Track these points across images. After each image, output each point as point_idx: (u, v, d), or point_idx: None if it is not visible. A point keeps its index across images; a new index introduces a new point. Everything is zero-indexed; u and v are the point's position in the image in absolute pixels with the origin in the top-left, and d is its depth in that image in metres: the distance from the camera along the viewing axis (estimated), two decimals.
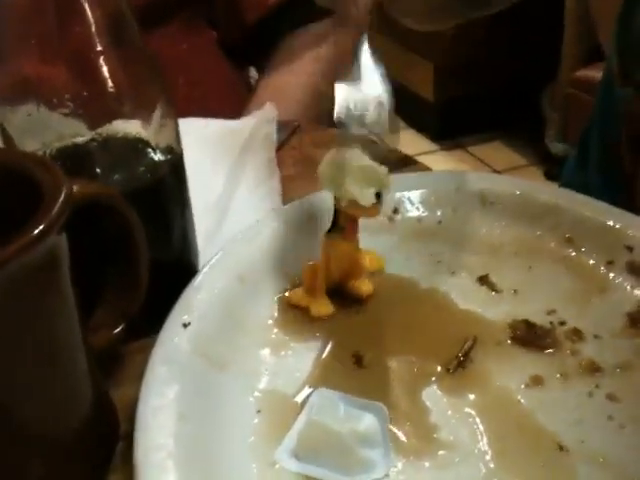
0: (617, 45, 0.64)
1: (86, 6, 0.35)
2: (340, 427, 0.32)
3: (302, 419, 0.34)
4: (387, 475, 0.32)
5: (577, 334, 0.39)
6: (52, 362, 0.28)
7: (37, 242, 0.25)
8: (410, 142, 2.50)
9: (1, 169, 0.29)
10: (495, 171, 2.30)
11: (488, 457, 0.33)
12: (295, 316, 0.41)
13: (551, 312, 0.41)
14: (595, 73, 1.74)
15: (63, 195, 0.27)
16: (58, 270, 0.27)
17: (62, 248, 0.27)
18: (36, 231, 0.25)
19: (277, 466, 0.32)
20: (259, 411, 0.35)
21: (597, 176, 0.68)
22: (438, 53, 2.37)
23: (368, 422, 0.33)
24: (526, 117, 2.34)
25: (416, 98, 2.54)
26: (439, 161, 2.35)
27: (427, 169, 0.59)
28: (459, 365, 0.38)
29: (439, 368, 0.38)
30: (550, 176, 2.21)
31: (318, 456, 0.32)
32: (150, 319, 0.37)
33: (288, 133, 0.66)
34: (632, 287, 0.42)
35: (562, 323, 0.40)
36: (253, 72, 0.92)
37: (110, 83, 0.35)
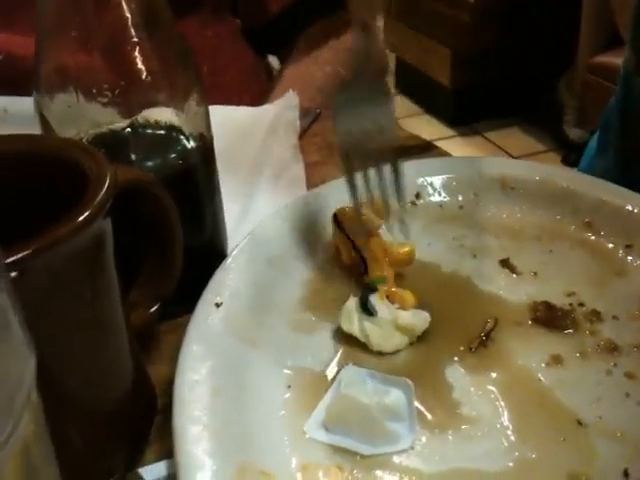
0: (632, 41, 0.64)
1: None
2: (368, 400, 0.33)
3: (331, 393, 0.36)
4: (412, 447, 0.33)
5: (596, 315, 0.41)
6: (97, 337, 0.30)
7: (85, 226, 0.27)
8: (426, 128, 2.50)
9: (48, 155, 0.31)
10: (512, 157, 2.30)
11: (509, 432, 0.34)
12: (321, 297, 0.42)
13: (570, 294, 0.42)
14: (613, 59, 1.74)
15: (108, 181, 0.28)
16: (104, 252, 0.29)
17: (107, 231, 0.29)
18: (84, 216, 0.27)
19: (307, 436, 0.34)
20: (289, 387, 0.36)
21: (618, 163, 0.68)
22: (455, 39, 2.36)
23: (395, 396, 0.34)
24: (544, 103, 2.34)
25: (433, 84, 2.54)
26: (456, 147, 2.36)
27: (447, 155, 0.60)
28: (481, 344, 0.39)
29: (462, 347, 0.39)
30: (567, 162, 2.21)
31: (346, 427, 0.34)
32: (182, 300, 0.38)
33: (310, 120, 0.67)
34: None
35: (581, 304, 0.41)
36: (273, 60, 0.93)
37: (146, 73, 0.37)
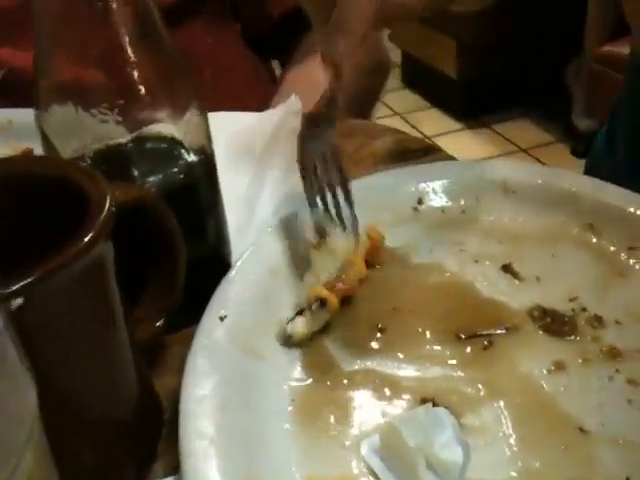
0: None
1: (117, 13, 0.36)
2: (413, 444, 0.32)
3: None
4: None
5: (598, 320, 0.41)
6: (103, 357, 0.30)
7: (88, 250, 0.27)
8: (435, 121, 2.49)
9: (48, 178, 0.31)
10: (521, 149, 2.29)
11: (512, 441, 0.34)
12: None
13: (573, 299, 0.42)
14: (620, 48, 1.72)
15: (108, 204, 0.29)
16: (106, 274, 0.30)
17: (109, 253, 0.29)
18: (86, 240, 0.27)
19: (317, 451, 0.34)
20: (293, 400, 0.37)
21: (626, 160, 0.68)
22: (461, 30, 2.35)
23: (452, 454, 0.32)
24: (552, 94, 2.32)
25: (440, 76, 2.52)
26: (464, 140, 2.34)
27: (450, 157, 0.60)
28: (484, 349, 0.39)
29: (466, 351, 0.39)
30: (576, 153, 2.20)
31: (388, 459, 0.33)
32: (187, 312, 0.39)
33: None
34: None
35: (584, 309, 0.41)
36: (275, 64, 0.93)
37: (145, 90, 0.37)
